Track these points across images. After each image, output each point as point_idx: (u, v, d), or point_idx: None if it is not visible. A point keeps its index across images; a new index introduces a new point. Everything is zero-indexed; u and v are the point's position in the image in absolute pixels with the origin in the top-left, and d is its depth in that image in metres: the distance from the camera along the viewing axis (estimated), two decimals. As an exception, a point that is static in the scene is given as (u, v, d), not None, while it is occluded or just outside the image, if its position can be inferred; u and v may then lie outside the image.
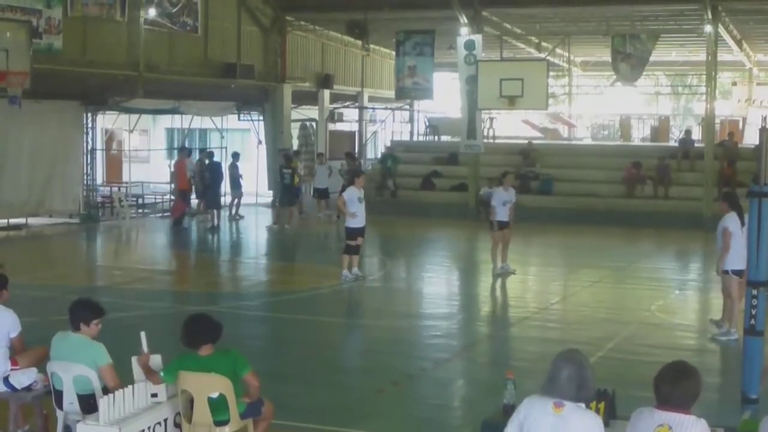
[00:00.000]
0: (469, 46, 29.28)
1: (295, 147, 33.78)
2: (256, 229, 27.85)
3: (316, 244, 26.43)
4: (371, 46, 35.88)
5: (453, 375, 12.08)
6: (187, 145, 35.61)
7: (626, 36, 31.45)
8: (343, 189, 19.44)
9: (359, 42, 35.05)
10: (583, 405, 5.45)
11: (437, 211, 30.05)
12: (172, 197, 28.86)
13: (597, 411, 6.51)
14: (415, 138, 40.22)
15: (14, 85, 21.31)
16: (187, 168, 27.48)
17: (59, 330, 8.01)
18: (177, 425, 7.67)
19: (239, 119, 35.73)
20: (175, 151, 35.29)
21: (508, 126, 43.62)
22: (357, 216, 17.80)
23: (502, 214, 19.00)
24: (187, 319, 7.64)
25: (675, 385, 5.42)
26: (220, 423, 7.39)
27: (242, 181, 29.38)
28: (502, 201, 19.03)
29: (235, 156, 29.45)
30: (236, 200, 29.20)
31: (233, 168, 29.17)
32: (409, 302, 17.32)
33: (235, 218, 28.84)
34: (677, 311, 16.54)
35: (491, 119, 38.33)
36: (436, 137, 38.84)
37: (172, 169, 29.20)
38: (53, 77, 24.38)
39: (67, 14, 24.86)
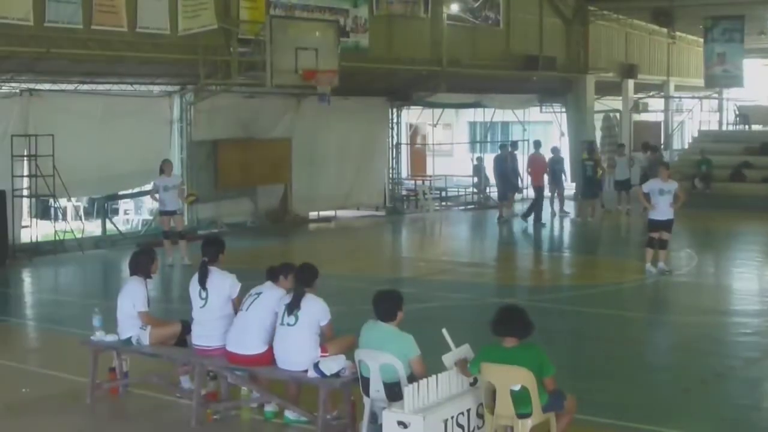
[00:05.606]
0: (783, 29, 27.92)
1: (598, 139, 33.29)
2: (559, 221, 27.53)
3: (618, 238, 25.93)
4: (677, 33, 35.03)
5: (764, 375, 11.55)
6: (489, 138, 35.92)
7: None
8: (644, 181, 18.84)
9: (665, 30, 34.30)
10: None
11: (748, 203, 28.70)
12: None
13: None
14: (723, 127, 38.76)
15: (324, 84, 22.11)
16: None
17: (366, 319, 8.23)
18: (480, 416, 7.72)
19: (541, 111, 35.75)
20: (478, 145, 35.74)
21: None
22: (657, 208, 17.22)
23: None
24: (502, 307, 7.68)
25: None
26: (522, 416, 7.36)
27: (564, 176, 28.53)
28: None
29: (555, 151, 28.45)
30: (558, 194, 28.20)
31: (556, 163, 28.07)
32: (718, 298, 16.62)
33: (563, 214, 27.93)
34: None
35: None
36: (747, 126, 37.26)
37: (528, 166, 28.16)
38: (360, 74, 25.23)
39: (373, 13, 25.65)
